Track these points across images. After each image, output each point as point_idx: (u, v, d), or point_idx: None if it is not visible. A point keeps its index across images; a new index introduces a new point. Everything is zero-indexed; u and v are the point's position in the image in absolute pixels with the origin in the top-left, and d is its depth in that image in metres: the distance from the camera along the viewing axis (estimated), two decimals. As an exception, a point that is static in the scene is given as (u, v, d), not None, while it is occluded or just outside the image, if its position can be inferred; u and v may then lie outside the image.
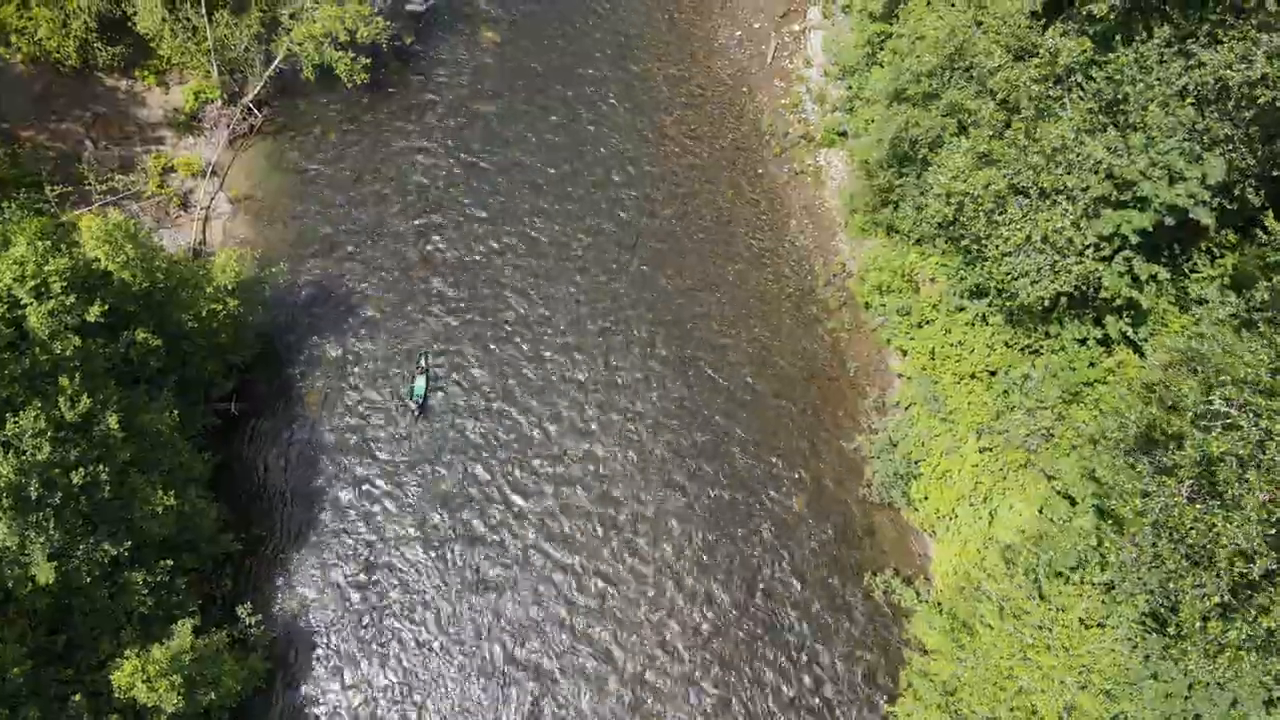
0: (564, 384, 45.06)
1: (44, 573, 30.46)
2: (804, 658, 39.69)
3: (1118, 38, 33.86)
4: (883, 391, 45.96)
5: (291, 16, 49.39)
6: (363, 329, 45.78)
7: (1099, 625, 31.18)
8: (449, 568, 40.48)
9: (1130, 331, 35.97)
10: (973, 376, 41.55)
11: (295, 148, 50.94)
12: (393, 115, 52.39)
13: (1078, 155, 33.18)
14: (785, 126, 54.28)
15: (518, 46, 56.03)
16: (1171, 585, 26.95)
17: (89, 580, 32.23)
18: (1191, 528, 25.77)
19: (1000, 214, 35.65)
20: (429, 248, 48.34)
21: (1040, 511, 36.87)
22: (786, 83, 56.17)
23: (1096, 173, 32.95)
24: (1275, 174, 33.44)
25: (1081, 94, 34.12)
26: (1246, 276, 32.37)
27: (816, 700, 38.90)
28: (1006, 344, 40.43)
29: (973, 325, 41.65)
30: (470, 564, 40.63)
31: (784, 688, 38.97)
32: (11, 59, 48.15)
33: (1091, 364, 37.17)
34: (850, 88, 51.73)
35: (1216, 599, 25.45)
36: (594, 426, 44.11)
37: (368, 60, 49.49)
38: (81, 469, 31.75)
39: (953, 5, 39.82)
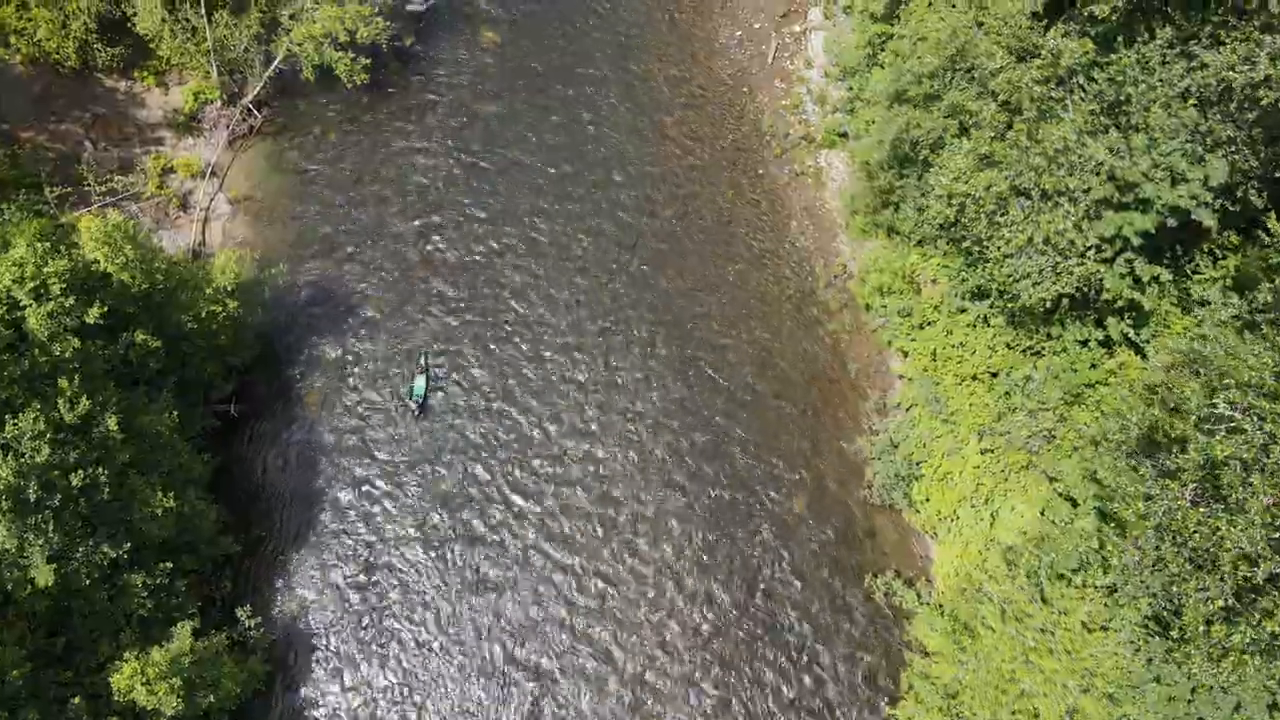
0: (564, 384, 44.99)
1: (43, 575, 30.38)
2: (804, 659, 39.61)
3: (1120, 39, 33.77)
4: (884, 393, 45.88)
5: (291, 17, 49.30)
6: (362, 329, 45.71)
7: (1101, 628, 31.10)
8: (449, 568, 40.41)
9: (1132, 333, 35.90)
10: (974, 378, 41.47)
11: (295, 148, 50.85)
12: (393, 116, 52.31)
13: (1079, 157, 33.10)
14: (786, 127, 54.20)
15: (518, 47, 55.94)
16: (1175, 589, 26.84)
17: (88, 582, 32.13)
18: (1195, 531, 25.66)
19: (1002, 215, 35.56)
20: (429, 248, 48.26)
21: (1042, 513, 36.79)
22: (787, 83, 56.09)
23: (1098, 174, 32.86)
24: (1278, 175, 33.34)
25: (1083, 95, 34.02)
26: (1249, 278, 32.29)
27: (817, 702, 38.82)
28: (1008, 345, 40.35)
29: (974, 327, 41.56)
30: (470, 564, 40.56)
31: (784, 689, 38.90)
32: (11, 60, 48.02)
33: (1093, 365, 37.11)
34: (851, 89, 51.63)
35: (1220, 603, 25.32)
36: (594, 427, 44.03)
37: (368, 61, 49.41)
38: (81, 471, 31.67)
39: (954, 6, 39.72)
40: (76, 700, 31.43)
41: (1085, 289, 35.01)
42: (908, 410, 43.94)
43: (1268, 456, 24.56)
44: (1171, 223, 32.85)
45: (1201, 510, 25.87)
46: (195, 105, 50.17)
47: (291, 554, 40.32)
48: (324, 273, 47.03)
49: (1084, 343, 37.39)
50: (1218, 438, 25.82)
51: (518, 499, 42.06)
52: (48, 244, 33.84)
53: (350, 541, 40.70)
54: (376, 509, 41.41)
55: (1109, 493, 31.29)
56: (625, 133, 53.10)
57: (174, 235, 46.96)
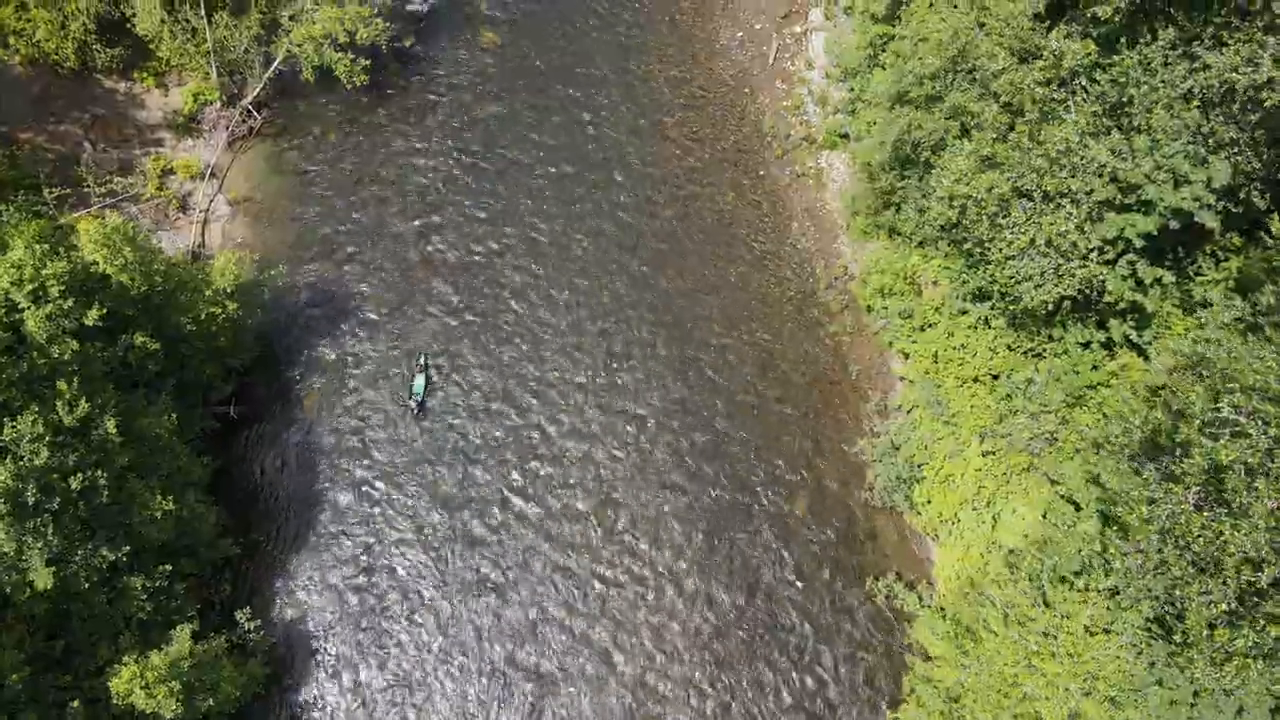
0: (564, 385, 44.90)
1: (42, 578, 30.30)
2: (805, 661, 39.50)
3: (1122, 40, 33.68)
4: (885, 395, 45.79)
5: (291, 18, 49.24)
6: (362, 330, 45.62)
7: (1104, 632, 30.97)
8: (448, 570, 40.31)
9: (1134, 335, 35.78)
10: (975, 380, 41.37)
11: (295, 149, 50.79)
12: (392, 117, 52.24)
13: (1082, 158, 33.00)
14: (787, 128, 54.10)
15: (518, 47, 55.86)
16: (1177, 592, 26.76)
17: (87, 586, 32.08)
18: (1198, 535, 25.57)
19: (1004, 217, 35.46)
20: (429, 249, 48.18)
21: (1044, 516, 36.66)
22: (788, 84, 55.99)
23: (1101, 176, 32.77)
24: (1280, 177, 33.31)
25: (1085, 97, 33.93)
26: (1251, 280, 32.19)
27: (818, 704, 38.71)
28: (1009, 347, 40.24)
29: (975, 328, 41.46)
30: (470, 566, 40.46)
31: (785, 692, 38.80)
32: (10, 61, 47.94)
33: (1095, 367, 37.00)
34: (852, 90, 51.52)
35: (1223, 606, 25.25)
36: (594, 428, 43.93)
37: (367, 62, 49.36)
38: (79, 474, 31.64)
39: (955, 7, 39.62)
40: (75, 704, 31.34)
41: (1087, 291, 34.92)
42: (909, 412, 43.83)
43: (1272, 461, 24.49)
44: (1174, 224, 32.75)
45: (1205, 514, 25.78)
46: (195, 106, 50.11)
47: (291, 556, 40.23)
48: (323, 274, 46.95)
49: (1086, 344, 37.29)
50: (1222, 442, 25.74)
51: (517, 500, 41.96)
52: (46, 246, 33.75)
53: (349, 543, 40.61)
54: (376, 511, 41.32)
55: (1112, 496, 31.18)
56: (626, 133, 53.01)
57: (173, 237, 46.86)
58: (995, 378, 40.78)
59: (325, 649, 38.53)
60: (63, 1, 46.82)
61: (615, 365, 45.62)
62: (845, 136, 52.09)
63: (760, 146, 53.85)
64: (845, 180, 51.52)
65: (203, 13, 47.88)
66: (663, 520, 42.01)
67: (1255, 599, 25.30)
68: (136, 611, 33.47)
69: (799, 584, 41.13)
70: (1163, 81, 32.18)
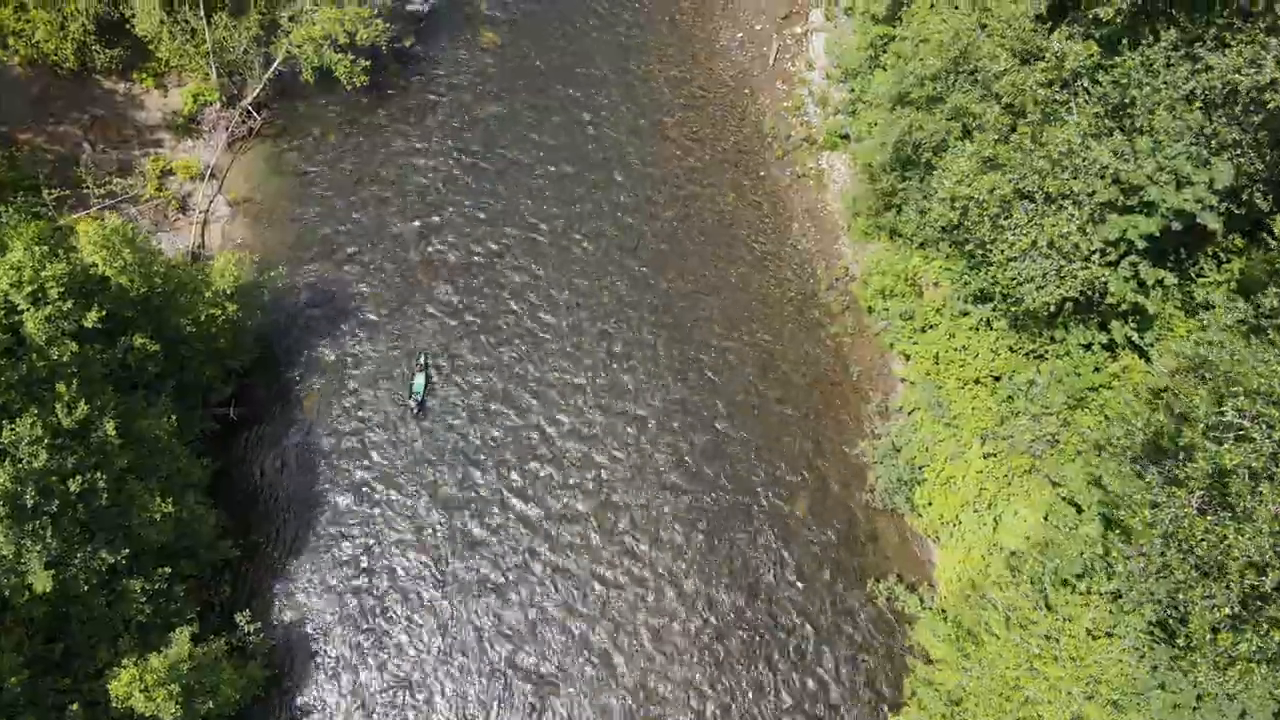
0: (564, 386, 44.81)
1: (41, 581, 30.21)
2: (806, 663, 39.41)
3: (1124, 41, 33.63)
4: (886, 396, 45.70)
5: (291, 19, 49.16)
6: (362, 331, 45.54)
7: (1106, 635, 30.87)
8: (448, 571, 40.22)
9: (1136, 336, 35.72)
10: (977, 381, 41.28)
11: (294, 150, 50.71)
12: (392, 117, 52.17)
13: (1084, 160, 32.93)
14: (787, 129, 54.02)
15: (518, 48, 55.78)
16: (1180, 596, 26.70)
17: (86, 588, 31.99)
18: (1202, 539, 25.49)
19: (1005, 219, 35.40)
20: (429, 249, 48.09)
21: (1046, 518, 36.58)
22: (788, 85, 55.90)
23: (1103, 177, 32.72)
24: (1283, 178, 33.22)
25: (1088, 98, 33.86)
26: (1254, 282, 32.11)
27: (819, 706, 38.61)
28: (1011, 349, 40.17)
29: (977, 330, 41.38)
30: (470, 567, 40.37)
31: (785, 693, 38.70)
32: (9, 61, 47.86)
33: (1096, 369, 36.92)
34: (853, 90, 51.45)
35: (1227, 610, 25.18)
36: (594, 429, 43.84)
37: (367, 62, 49.29)
38: (79, 476, 31.57)
39: (956, 8, 39.55)
40: (75, 707, 31.28)
41: (1089, 292, 34.85)
42: (910, 414, 43.75)
43: (1277, 465, 24.43)
44: (1176, 226, 32.70)
45: (1209, 518, 25.70)
46: (194, 107, 50.04)
47: (290, 558, 40.13)
48: (323, 274, 46.87)
49: (1087, 346, 37.21)
50: (1226, 445, 25.66)
51: (517, 502, 41.87)
52: (46, 247, 33.68)
53: (349, 545, 40.51)
54: (376, 512, 41.23)
55: (1114, 498, 31.11)
56: (626, 134, 52.93)
57: (173, 238, 46.76)
58: (997, 379, 40.70)
59: (325, 651, 38.44)
60: (62, 2, 46.74)
61: (615, 366, 45.54)
62: (846, 137, 52.02)
63: (761, 147, 53.77)
64: (846, 181, 51.43)
65: (202, 13, 47.80)
66: (663, 521, 41.92)
67: (1259, 603, 25.24)
68: (136, 614, 33.38)
69: (799, 585, 41.04)
70: (1165, 83, 32.13)
